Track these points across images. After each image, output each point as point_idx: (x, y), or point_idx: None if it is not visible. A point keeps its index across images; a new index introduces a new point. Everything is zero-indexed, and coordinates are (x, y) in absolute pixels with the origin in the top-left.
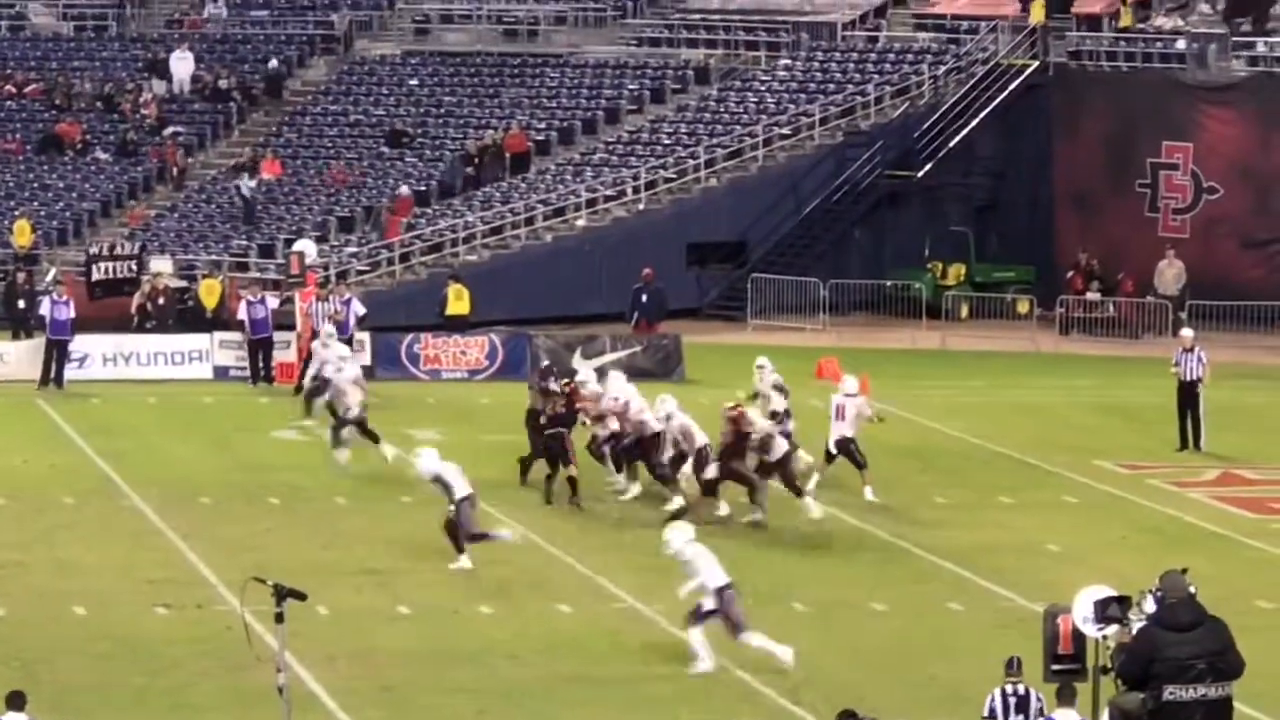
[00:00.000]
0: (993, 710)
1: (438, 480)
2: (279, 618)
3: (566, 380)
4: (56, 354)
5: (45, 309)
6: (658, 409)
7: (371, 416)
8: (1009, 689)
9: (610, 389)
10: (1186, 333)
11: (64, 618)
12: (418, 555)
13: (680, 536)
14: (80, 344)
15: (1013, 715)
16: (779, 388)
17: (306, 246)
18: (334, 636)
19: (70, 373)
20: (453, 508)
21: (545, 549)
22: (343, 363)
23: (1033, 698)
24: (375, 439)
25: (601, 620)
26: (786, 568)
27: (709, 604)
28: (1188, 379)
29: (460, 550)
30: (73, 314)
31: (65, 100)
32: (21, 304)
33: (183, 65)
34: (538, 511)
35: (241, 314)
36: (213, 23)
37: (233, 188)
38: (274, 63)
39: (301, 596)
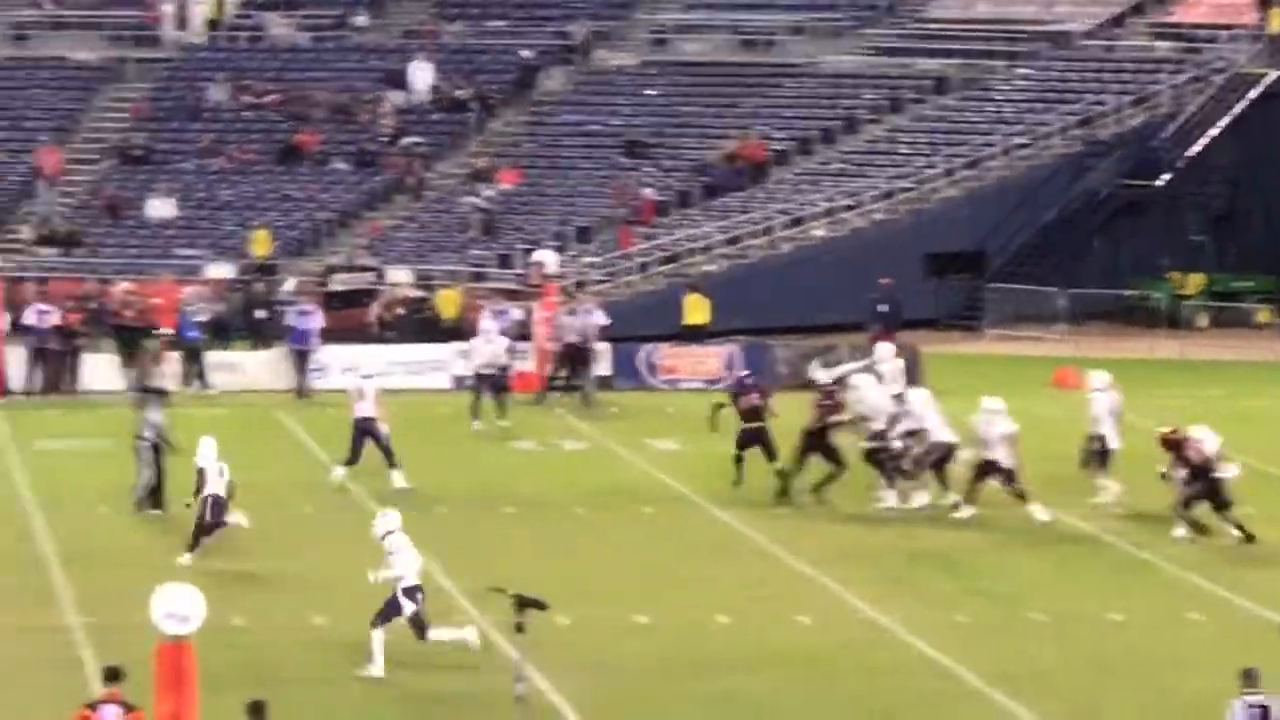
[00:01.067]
0: None
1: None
2: (519, 628)
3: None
4: (300, 363)
5: (291, 319)
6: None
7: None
8: (1250, 701)
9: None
10: None
11: (303, 627)
12: (656, 566)
13: (387, 523)
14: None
15: None
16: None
17: (546, 256)
18: (574, 647)
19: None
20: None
21: (785, 560)
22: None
23: (1275, 710)
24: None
25: (840, 631)
26: (1024, 578)
27: (402, 601)
28: None
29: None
30: (320, 324)
31: (303, 111)
32: (260, 314)
33: (421, 75)
34: (782, 522)
35: (483, 324)
36: (450, 34)
37: (467, 199)
38: (526, 53)
39: (542, 606)
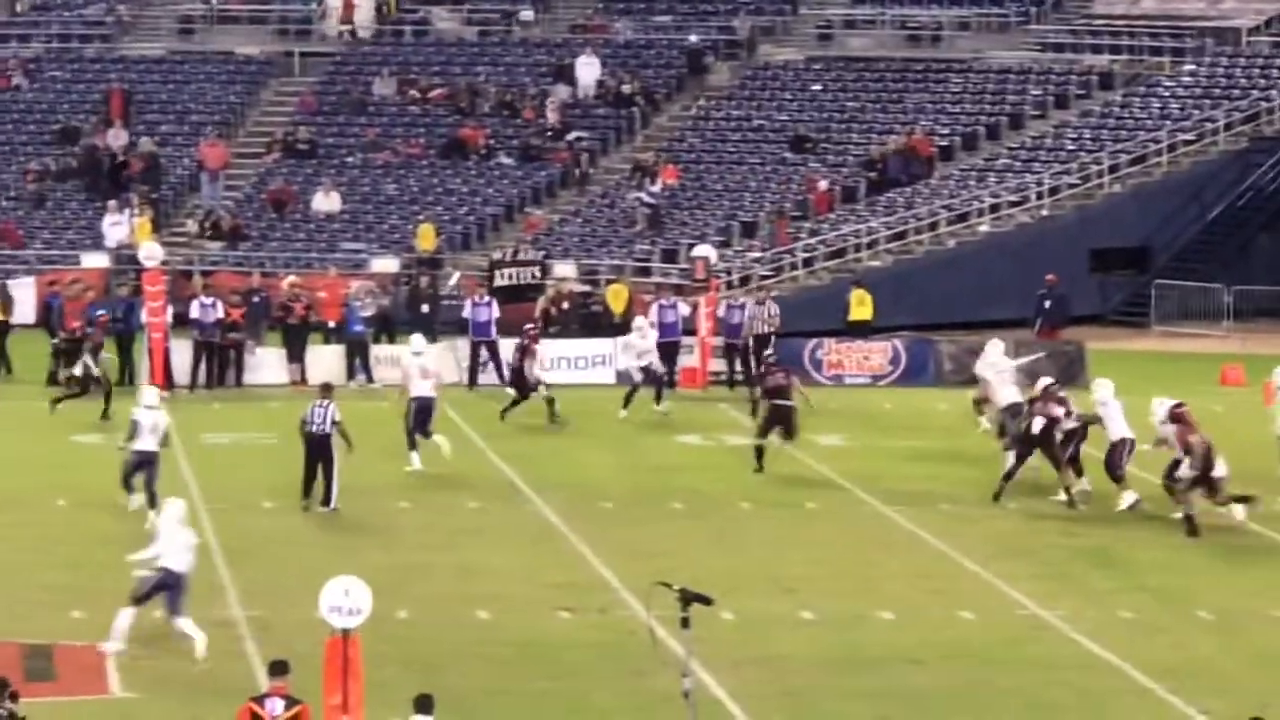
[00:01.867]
0: None
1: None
2: (684, 623)
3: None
4: (480, 355)
5: (467, 311)
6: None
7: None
8: None
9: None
10: None
11: (466, 621)
12: (821, 560)
13: (171, 513)
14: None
15: None
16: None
17: (708, 251)
18: (739, 642)
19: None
20: None
21: (949, 555)
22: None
23: None
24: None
25: (1004, 627)
26: (1190, 574)
27: (159, 581)
28: None
29: None
30: (496, 314)
31: (469, 105)
32: (425, 308)
33: (588, 70)
34: (946, 516)
35: (652, 317)
36: (618, 29)
37: (633, 196)
38: (693, 38)
39: (708, 601)
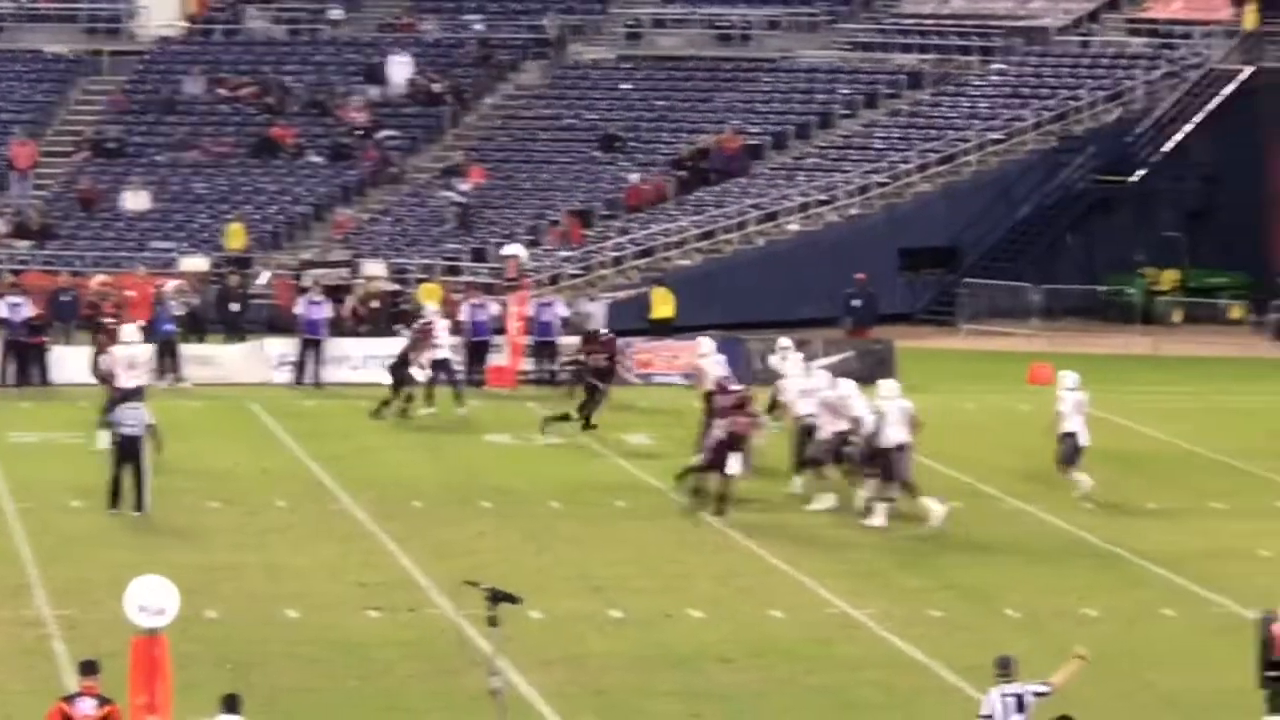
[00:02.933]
0: (991, 712)
1: None
2: (492, 621)
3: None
4: (313, 353)
5: (300, 308)
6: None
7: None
8: (1006, 689)
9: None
10: None
11: (276, 620)
12: (630, 559)
13: None
14: (291, 347)
15: (1013, 715)
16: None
17: (519, 250)
18: (548, 641)
19: (281, 376)
20: None
21: (757, 554)
22: None
23: (1027, 695)
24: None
25: (813, 626)
26: (997, 573)
27: None
28: None
29: None
30: (328, 313)
31: (279, 103)
32: (234, 307)
33: (400, 69)
34: (754, 516)
35: (463, 316)
36: (426, 28)
37: (443, 193)
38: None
39: (515, 600)
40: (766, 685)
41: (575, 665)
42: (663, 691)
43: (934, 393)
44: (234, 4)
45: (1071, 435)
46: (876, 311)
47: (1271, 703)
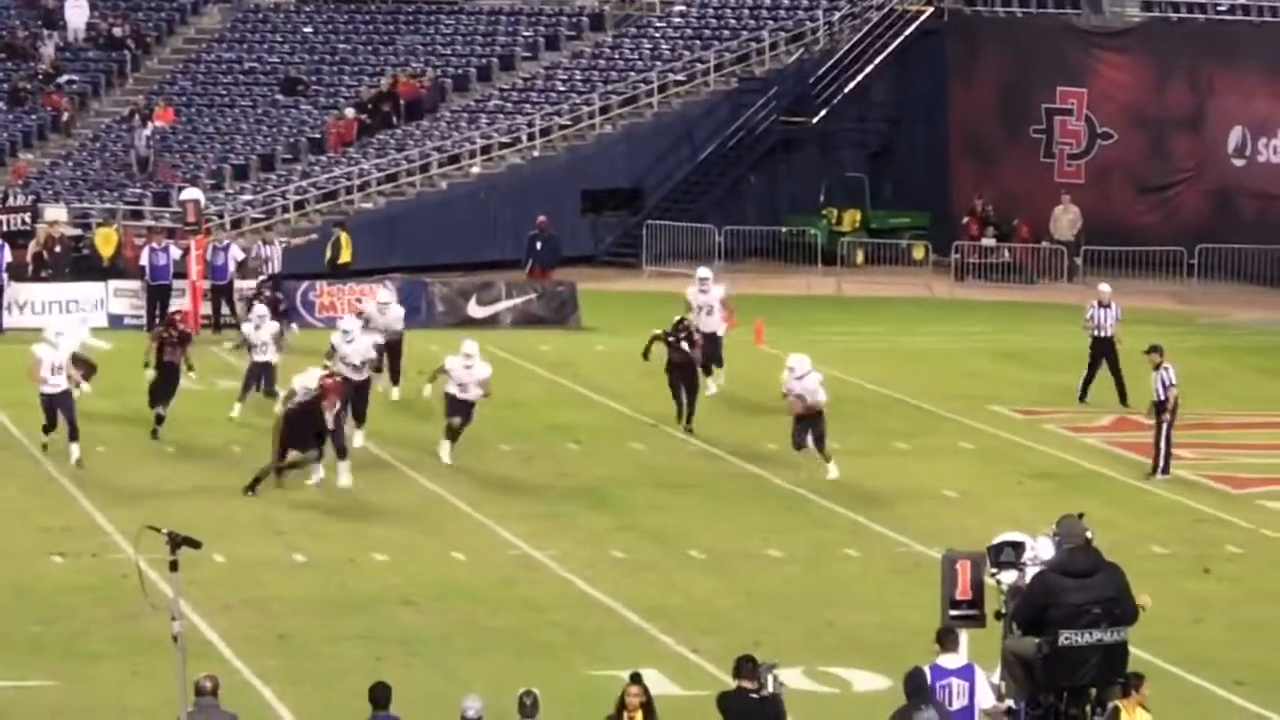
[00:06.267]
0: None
1: None
2: (174, 565)
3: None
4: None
5: (144, 258)
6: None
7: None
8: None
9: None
10: (1104, 288)
11: None
12: (312, 503)
13: None
14: None
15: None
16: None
17: (198, 195)
18: (230, 585)
19: None
20: None
21: (443, 496)
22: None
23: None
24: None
25: (495, 567)
26: (683, 515)
27: None
28: (1103, 334)
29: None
30: (8, 258)
31: None
32: None
33: (77, 13)
34: (437, 459)
35: (144, 260)
36: None
37: (129, 135)
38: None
39: (196, 544)
40: (450, 627)
41: (258, 609)
42: (346, 635)
43: (618, 334)
44: None
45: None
46: (559, 254)
47: (940, 640)
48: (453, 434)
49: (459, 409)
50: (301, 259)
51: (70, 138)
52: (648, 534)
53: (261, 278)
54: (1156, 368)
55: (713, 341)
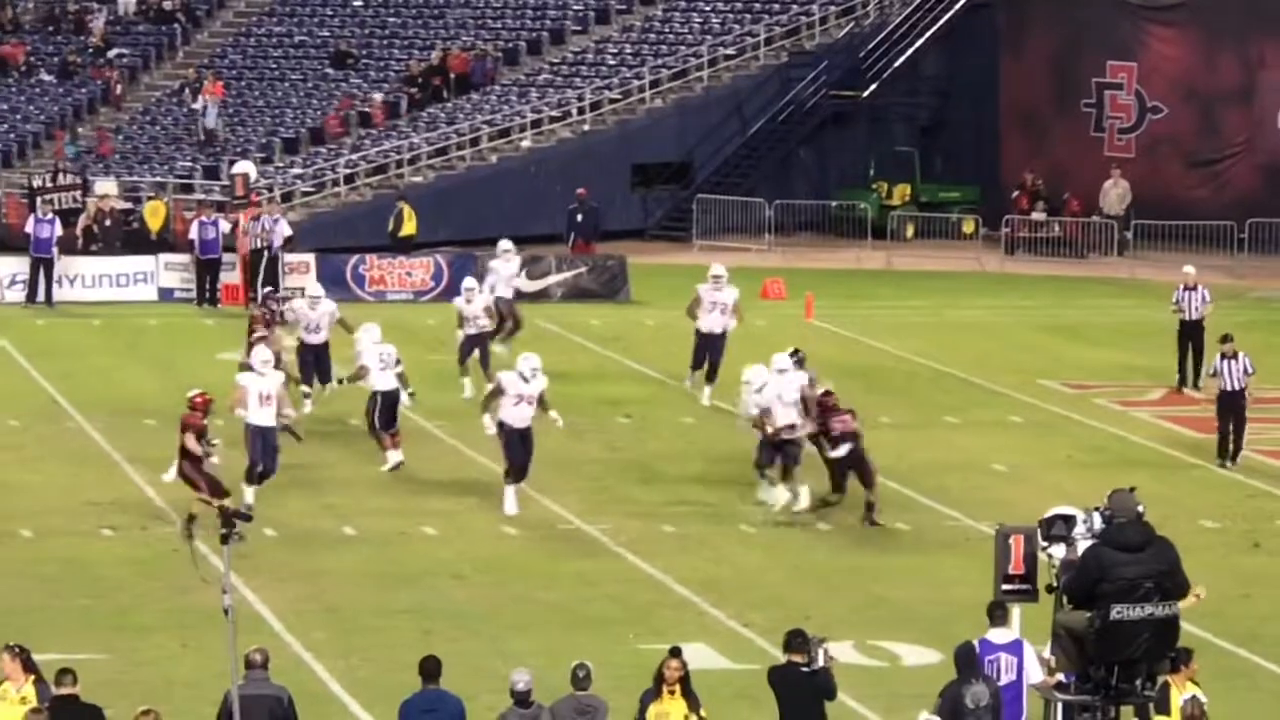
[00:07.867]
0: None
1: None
2: (225, 539)
3: None
4: (43, 272)
5: (30, 227)
6: None
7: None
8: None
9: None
10: (1189, 269)
11: (9, 540)
12: (364, 479)
13: None
14: (22, 266)
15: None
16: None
17: (248, 168)
18: (281, 559)
19: (13, 294)
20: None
21: (493, 471)
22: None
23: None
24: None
25: (546, 542)
26: (733, 489)
27: None
28: (1191, 317)
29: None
30: (59, 231)
31: (11, 22)
32: None
33: None
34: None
35: (192, 234)
36: None
37: (199, 111)
38: None
39: (247, 518)
40: (500, 601)
41: (308, 582)
42: (394, 608)
43: (668, 308)
44: None
45: None
46: (599, 226)
47: (990, 615)
48: (516, 476)
49: (518, 452)
50: (355, 232)
51: (121, 111)
52: (698, 508)
53: (267, 289)
54: (1233, 356)
55: (711, 341)
